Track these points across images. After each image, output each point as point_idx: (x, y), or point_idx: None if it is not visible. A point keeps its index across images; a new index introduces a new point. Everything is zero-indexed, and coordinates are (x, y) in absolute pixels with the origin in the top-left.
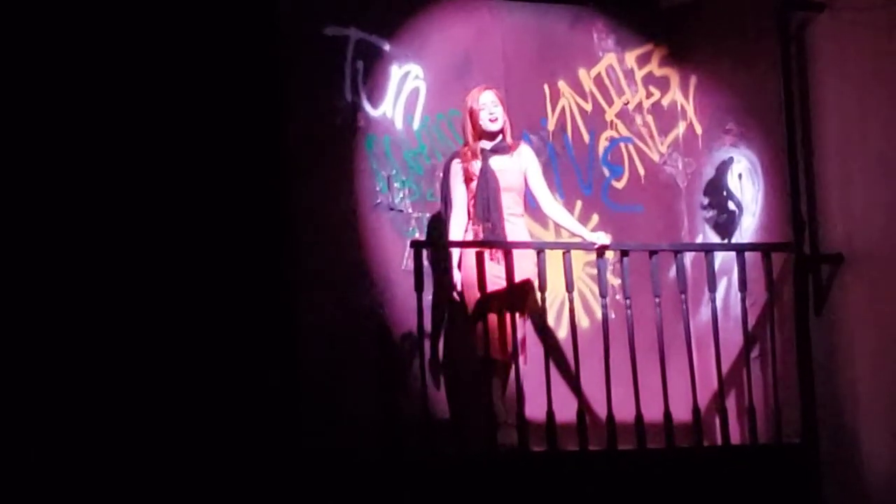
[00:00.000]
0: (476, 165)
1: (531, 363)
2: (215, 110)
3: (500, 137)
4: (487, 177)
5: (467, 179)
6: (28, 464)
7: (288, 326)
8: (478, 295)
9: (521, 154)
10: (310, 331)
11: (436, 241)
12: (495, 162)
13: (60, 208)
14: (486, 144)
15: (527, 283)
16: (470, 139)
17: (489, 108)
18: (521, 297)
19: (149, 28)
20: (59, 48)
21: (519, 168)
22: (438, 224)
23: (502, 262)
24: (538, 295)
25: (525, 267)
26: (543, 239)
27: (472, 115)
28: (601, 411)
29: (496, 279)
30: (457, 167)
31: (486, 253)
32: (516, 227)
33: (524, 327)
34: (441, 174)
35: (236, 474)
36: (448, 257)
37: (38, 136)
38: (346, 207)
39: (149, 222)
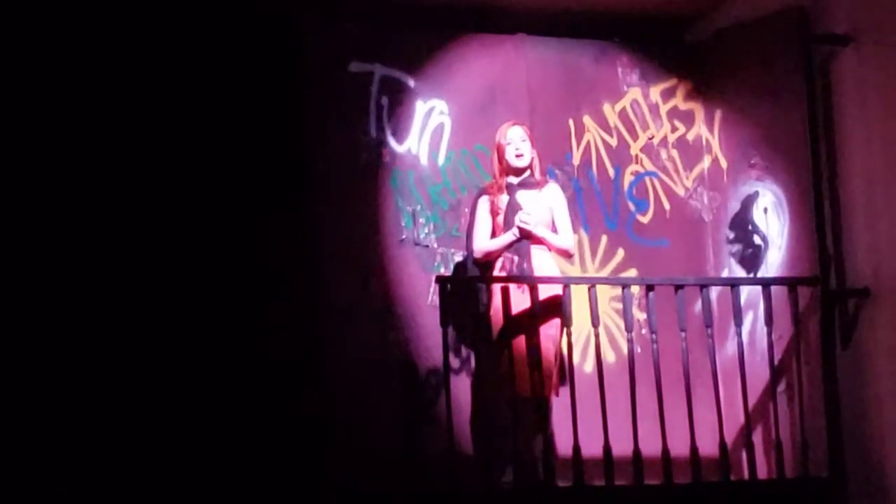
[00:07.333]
0: (503, 200)
1: (559, 398)
2: (241, 146)
3: (527, 173)
4: (514, 210)
5: (493, 213)
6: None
7: (315, 361)
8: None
9: (550, 190)
10: (336, 365)
11: (461, 276)
12: (522, 196)
13: (105, 242)
14: (514, 180)
15: (554, 314)
16: (497, 174)
17: (516, 143)
18: (547, 329)
19: (173, 66)
20: (96, 84)
21: (546, 203)
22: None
23: (527, 293)
24: (565, 330)
25: (552, 299)
26: (569, 274)
27: (500, 151)
28: (627, 446)
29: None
30: (484, 202)
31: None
32: (543, 260)
33: (557, 362)
34: (467, 210)
35: None
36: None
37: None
38: (371, 243)
39: (181, 257)
